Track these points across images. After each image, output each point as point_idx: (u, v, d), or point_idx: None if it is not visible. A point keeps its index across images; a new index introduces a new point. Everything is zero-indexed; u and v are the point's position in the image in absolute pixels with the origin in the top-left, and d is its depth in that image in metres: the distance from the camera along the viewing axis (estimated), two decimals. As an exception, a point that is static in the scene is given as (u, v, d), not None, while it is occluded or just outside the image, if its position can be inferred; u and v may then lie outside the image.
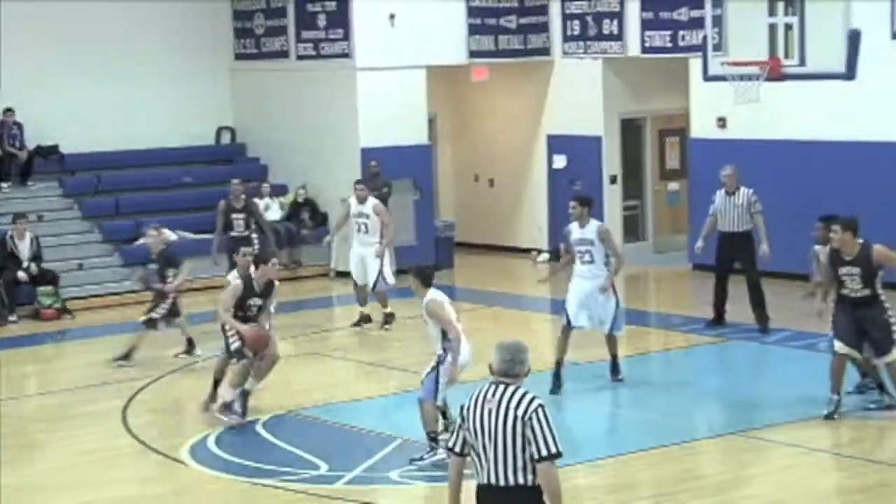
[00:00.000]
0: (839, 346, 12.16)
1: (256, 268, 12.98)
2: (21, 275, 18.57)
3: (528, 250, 22.79)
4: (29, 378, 16.03)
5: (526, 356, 6.83)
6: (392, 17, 20.95)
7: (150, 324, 15.43)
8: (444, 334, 11.24)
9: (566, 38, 22.20)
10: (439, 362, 11.27)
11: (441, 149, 23.65)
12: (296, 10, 21.84)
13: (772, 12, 14.47)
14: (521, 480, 6.71)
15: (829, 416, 12.19)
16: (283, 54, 22.16)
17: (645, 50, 21.17)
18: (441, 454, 10.84)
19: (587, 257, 13.49)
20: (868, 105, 18.06)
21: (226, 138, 23.19)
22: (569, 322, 13.48)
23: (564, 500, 6.73)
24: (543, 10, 22.28)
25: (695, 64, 19.14)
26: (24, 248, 18.78)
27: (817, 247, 12.96)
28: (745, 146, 18.72)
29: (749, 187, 16.07)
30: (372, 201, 17.09)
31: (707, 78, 14.96)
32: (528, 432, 6.65)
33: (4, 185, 20.91)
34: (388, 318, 17.03)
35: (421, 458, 11.34)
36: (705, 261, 18.43)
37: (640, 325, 17.69)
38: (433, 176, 22.55)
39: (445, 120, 23.77)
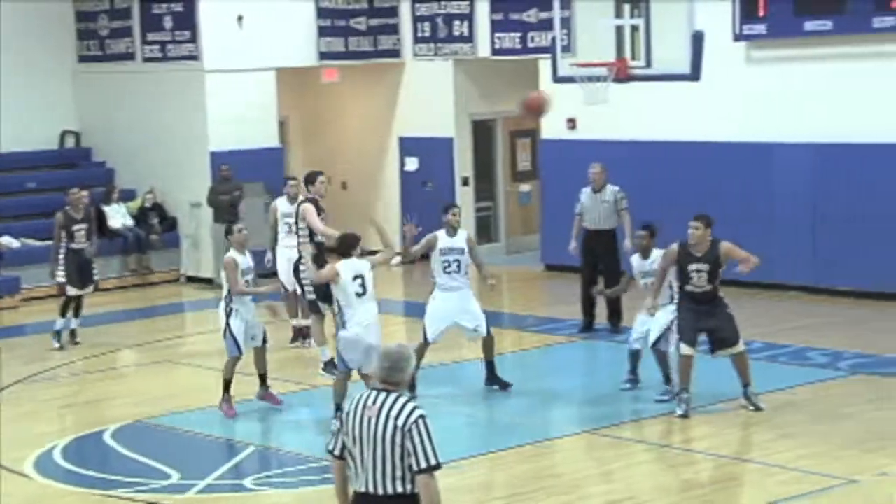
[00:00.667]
0: (685, 349, 12.40)
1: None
2: None
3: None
4: None
5: (406, 364, 6.70)
6: (240, 18, 20.76)
7: None
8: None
9: (416, 40, 22.25)
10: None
11: (293, 151, 23.51)
12: (141, 11, 21.51)
13: (618, 14, 14.60)
14: (399, 489, 6.60)
15: (683, 416, 12.40)
16: (129, 56, 21.81)
17: (495, 51, 21.31)
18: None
19: (455, 266, 13.50)
20: (712, 105, 18.41)
21: (70, 142, 22.73)
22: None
23: None
24: (393, 11, 22.29)
25: (544, 65, 19.28)
26: None
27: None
28: (595, 147, 18.92)
29: (615, 185, 16.26)
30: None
31: (556, 79, 15.08)
32: (408, 443, 6.54)
33: None
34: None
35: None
36: (558, 261, 18.66)
37: (494, 326, 17.66)
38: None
39: (297, 122, 23.64)
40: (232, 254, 13.15)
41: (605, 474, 11.27)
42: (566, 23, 15.19)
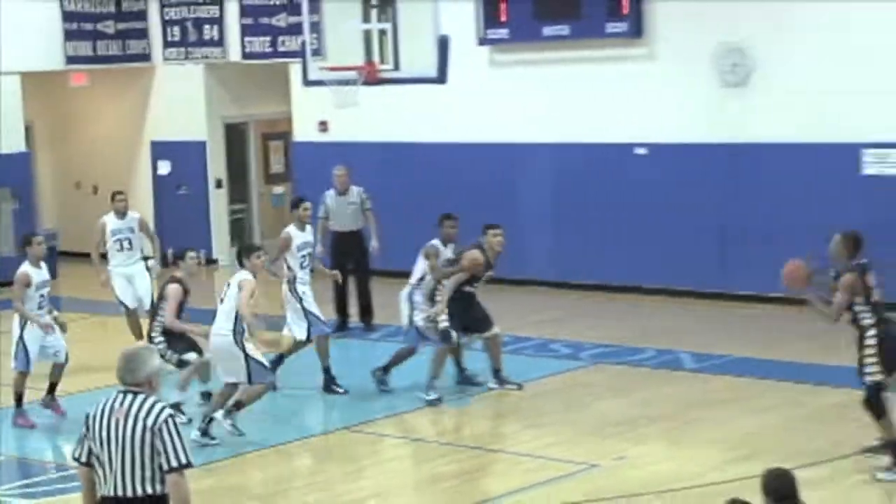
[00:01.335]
0: (458, 337, 12.79)
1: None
2: None
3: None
4: None
5: (140, 363, 6.61)
6: (-17, 21, 20.11)
7: None
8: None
9: (167, 44, 21.96)
10: None
11: (40, 156, 22.92)
12: None
13: (366, 18, 14.72)
14: (149, 490, 6.53)
15: (433, 402, 12.59)
16: None
17: (245, 55, 21.19)
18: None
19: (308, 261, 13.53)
20: (458, 107, 18.68)
21: None
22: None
23: None
24: (142, 15, 21.95)
25: (295, 69, 19.30)
26: None
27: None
28: (347, 149, 19.00)
29: (359, 185, 16.34)
30: (134, 214, 15.44)
31: (307, 83, 15.12)
32: (158, 443, 6.47)
33: None
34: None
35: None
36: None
37: (249, 327, 17.67)
38: (33, 184, 21.80)
39: (44, 127, 23.05)
40: (25, 267, 12.55)
41: (358, 471, 11.33)
42: (315, 27, 15.23)
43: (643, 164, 17.58)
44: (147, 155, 22.39)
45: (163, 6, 21.86)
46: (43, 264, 12.78)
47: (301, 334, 13.35)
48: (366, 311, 16.29)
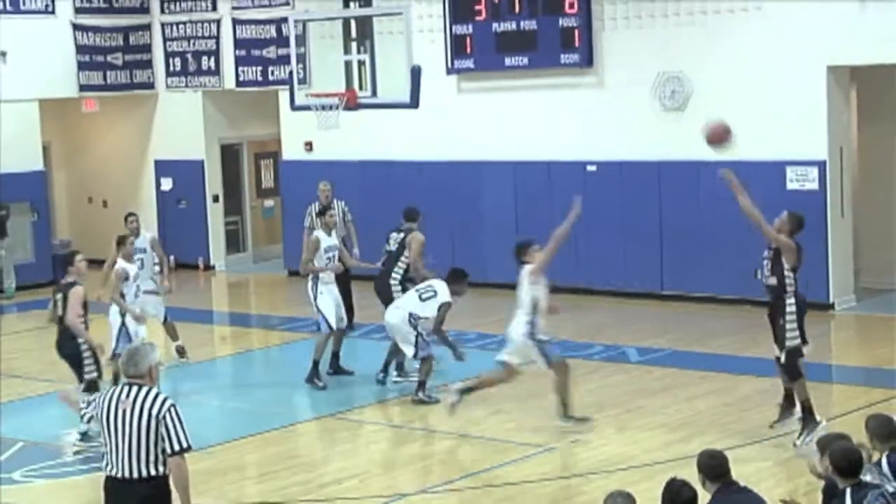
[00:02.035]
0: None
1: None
2: None
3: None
4: None
5: (142, 357, 6.70)
6: (3, 54, 20.05)
7: None
8: None
9: (169, 74, 21.94)
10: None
11: (56, 174, 22.85)
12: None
13: (347, 51, 14.73)
14: (152, 472, 6.62)
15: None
16: None
17: (239, 83, 21.18)
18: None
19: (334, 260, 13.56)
20: (429, 130, 18.72)
21: None
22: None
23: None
24: (147, 48, 21.93)
25: (283, 95, 19.30)
26: None
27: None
28: (330, 166, 18.99)
29: (341, 199, 16.36)
30: (148, 234, 14.93)
31: (294, 107, 15.07)
32: (163, 429, 6.55)
33: None
34: (182, 351, 14.73)
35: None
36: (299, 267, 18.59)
37: (243, 326, 17.71)
38: (49, 199, 21.75)
39: (59, 147, 22.97)
40: (122, 263, 12.81)
41: (341, 453, 11.36)
42: (302, 58, 15.22)
43: (593, 180, 17.65)
44: (151, 172, 22.35)
45: (165, 40, 21.86)
46: (135, 259, 13.02)
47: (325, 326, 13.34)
48: (348, 311, 16.28)
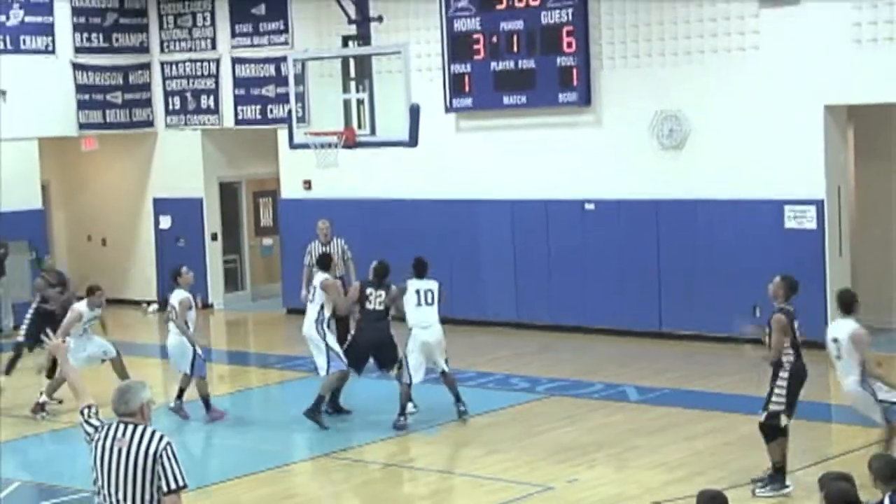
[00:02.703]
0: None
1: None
2: None
3: (138, 302, 22.28)
4: None
5: (133, 395, 6.60)
6: (3, 93, 20.08)
7: None
8: None
9: (168, 112, 21.97)
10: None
11: (55, 212, 22.83)
12: None
13: (346, 89, 14.67)
14: None
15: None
16: None
17: (238, 122, 21.20)
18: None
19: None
20: (428, 168, 18.71)
21: None
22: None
23: None
24: (146, 87, 21.97)
25: (282, 133, 19.29)
26: None
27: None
28: (328, 205, 18.99)
29: (341, 237, 16.34)
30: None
31: (293, 146, 15.04)
32: (159, 468, 6.48)
33: None
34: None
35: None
36: (299, 305, 18.52)
37: (241, 364, 17.64)
38: (48, 237, 21.71)
39: (58, 186, 22.97)
40: (185, 294, 13.69)
41: (336, 494, 11.27)
42: (301, 97, 15.19)
43: (591, 218, 17.63)
44: (150, 210, 22.32)
45: (164, 78, 21.90)
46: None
47: (322, 370, 13.26)
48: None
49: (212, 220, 21.92)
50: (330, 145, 14.29)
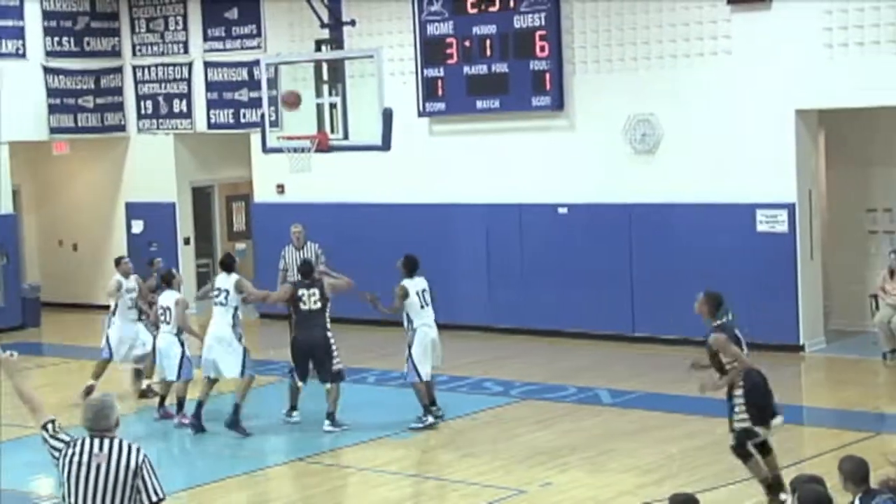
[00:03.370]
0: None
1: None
2: None
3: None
4: None
5: (110, 410, 6.49)
6: (-26, 97, 20.00)
7: None
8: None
9: (140, 116, 21.90)
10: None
11: (26, 217, 22.72)
12: None
13: (318, 93, 14.68)
14: None
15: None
16: None
17: (211, 126, 21.16)
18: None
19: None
20: (401, 172, 18.71)
21: None
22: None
23: None
24: (118, 91, 21.90)
25: (255, 138, 19.22)
26: None
27: None
28: (301, 209, 18.96)
29: (315, 241, 16.31)
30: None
31: (266, 150, 15.04)
32: (139, 482, 6.38)
33: None
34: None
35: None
36: (272, 310, 18.52)
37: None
38: (19, 242, 21.61)
39: (30, 191, 22.86)
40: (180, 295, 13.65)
41: (310, 498, 11.25)
42: (274, 101, 15.18)
43: (564, 222, 17.67)
44: (122, 215, 22.24)
45: (137, 83, 21.84)
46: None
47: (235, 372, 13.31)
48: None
49: (184, 225, 21.86)
50: (303, 149, 14.29)
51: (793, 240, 16.03)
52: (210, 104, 21.03)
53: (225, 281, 13.45)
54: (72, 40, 21.40)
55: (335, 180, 19.11)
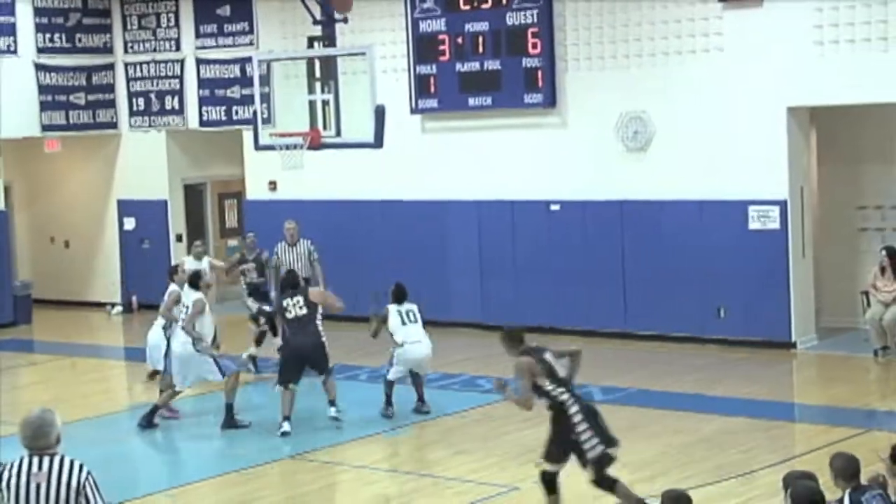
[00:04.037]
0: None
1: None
2: None
3: (102, 304, 22.18)
4: None
5: (50, 427, 6.13)
6: (-35, 94, 19.98)
7: None
8: None
9: (132, 113, 21.89)
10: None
11: (18, 214, 22.70)
12: None
13: (311, 90, 14.67)
14: None
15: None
16: None
17: (203, 123, 21.15)
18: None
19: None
20: (393, 169, 18.73)
21: None
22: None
23: None
24: (110, 88, 21.89)
25: (247, 135, 19.27)
26: None
27: None
28: (293, 206, 18.97)
29: (307, 238, 16.34)
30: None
31: (258, 147, 15.03)
32: (82, 499, 6.10)
33: None
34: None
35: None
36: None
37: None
38: (10, 240, 21.60)
39: (21, 188, 22.84)
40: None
41: (303, 495, 11.26)
42: (266, 98, 15.18)
43: (557, 219, 17.70)
44: (114, 212, 22.23)
45: (129, 80, 21.82)
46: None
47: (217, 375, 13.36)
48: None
49: (176, 222, 21.86)
50: (295, 146, 14.28)
51: (785, 237, 16.07)
52: (202, 101, 21.03)
53: (189, 297, 13.51)
54: (63, 37, 21.38)
55: (327, 177, 19.11)
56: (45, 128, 21.20)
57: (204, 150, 21.88)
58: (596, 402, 13.74)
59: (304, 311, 13.10)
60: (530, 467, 11.38)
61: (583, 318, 17.53)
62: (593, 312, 17.46)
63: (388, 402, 13.43)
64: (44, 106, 21.10)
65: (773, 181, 16.08)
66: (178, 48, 21.27)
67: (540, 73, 17.42)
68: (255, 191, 20.64)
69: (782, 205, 16.05)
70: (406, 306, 13.47)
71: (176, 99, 21.35)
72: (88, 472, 6.16)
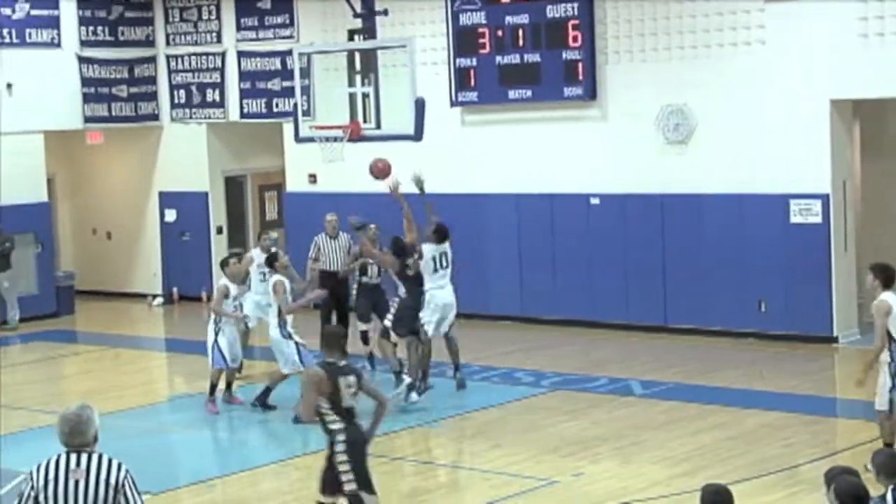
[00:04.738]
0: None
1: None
2: None
3: (143, 295, 22.32)
4: None
5: (88, 425, 6.03)
6: (9, 86, 20.11)
7: None
8: None
9: (173, 106, 21.99)
10: None
11: (61, 206, 22.88)
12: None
13: (351, 83, 14.71)
14: None
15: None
16: None
17: (244, 115, 21.22)
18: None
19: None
20: (433, 162, 18.65)
21: None
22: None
23: None
24: (152, 80, 22.00)
25: (287, 127, 19.27)
26: None
27: None
28: (333, 199, 18.98)
29: (347, 232, 16.37)
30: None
31: (298, 140, 15.08)
32: (122, 498, 6.02)
33: None
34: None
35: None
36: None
37: (246, 358, 17.55)
38: (53, 231, 21.77)
39: (64, 179, 23.01)
40: (225, 281, 13.77)
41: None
42: (306, 90, 15.22)
43: (597, 212, 17.64)
44: (155, 204, 22.35)
45: (170, 72, 21.93)
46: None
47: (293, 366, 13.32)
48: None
49: (217, 214, 21.95)
50: (335, 139, 14.31)
51: (827, 231, 15.94)
52: (243, 94, 21.10)
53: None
54: (106, 30, 21.51)
55: (367, 170, 19.06)
56: (87, 120, 21.35)
57: (244, 143, 21.96)
58: (638, 395, 13.81)
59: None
60: (569, 461, 11.40)
61: (622, 312, 17.46)
62: (633, 306, 17.39)
63: (424, 376, 13.46)
64: (86, 98, 21.25)
65: (815, 175, 15.95)
66: (219, 41, 21.35)
67: (580, 66, 17.35)
68: (296, 183, 20.69)
69: (824, 199, 15.92)
70: (442, 248, 13.72)
71: (217, 91, 21.44)
72: (127, 471, 6.08)
